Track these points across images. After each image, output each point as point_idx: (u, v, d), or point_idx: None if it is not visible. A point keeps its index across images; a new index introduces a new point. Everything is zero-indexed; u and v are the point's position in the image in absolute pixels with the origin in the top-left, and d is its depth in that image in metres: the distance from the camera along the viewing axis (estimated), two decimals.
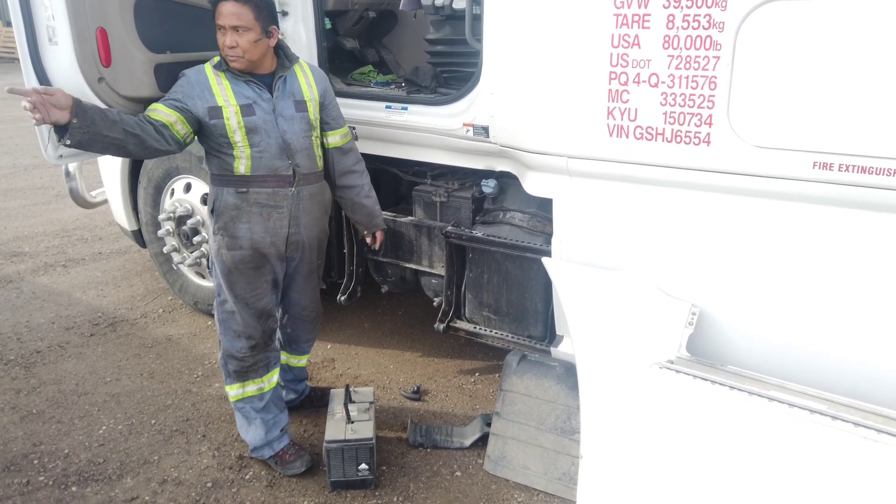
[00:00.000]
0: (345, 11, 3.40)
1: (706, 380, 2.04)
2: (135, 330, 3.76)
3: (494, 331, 2.95)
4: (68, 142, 2.04)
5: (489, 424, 2.74)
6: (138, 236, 4.09)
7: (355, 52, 3.65)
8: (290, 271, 2.54)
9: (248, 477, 2.59)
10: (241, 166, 2.29)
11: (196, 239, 3.59)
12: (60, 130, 2.02)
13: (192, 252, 3.66)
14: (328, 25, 3.31)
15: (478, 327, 3.00)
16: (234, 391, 2.55)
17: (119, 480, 2.57)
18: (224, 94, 2.23)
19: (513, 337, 2.90)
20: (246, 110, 2.24)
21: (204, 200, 3.55)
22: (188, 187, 3.62)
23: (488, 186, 2.91)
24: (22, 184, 6.88)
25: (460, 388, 3.24)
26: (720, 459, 1.95)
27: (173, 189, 3.70)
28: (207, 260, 2.45)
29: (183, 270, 3.85)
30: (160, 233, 3.74)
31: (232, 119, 2.23)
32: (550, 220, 2.66)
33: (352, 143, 2.67)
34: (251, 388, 2.56)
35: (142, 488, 2.52)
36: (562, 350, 2.69)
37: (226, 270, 2.39)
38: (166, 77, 2.37)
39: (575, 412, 2.53)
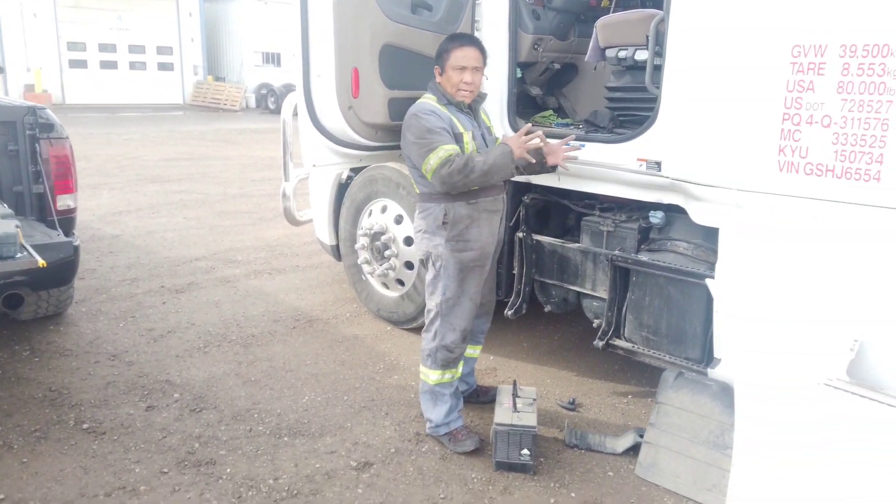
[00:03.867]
0: (534, 63, 3.90)
1: (869, 399, 2.15)
2: (328, 327, 4.38)
3: (652, 351, 3.17)
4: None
5: (642, 436, 2.94)
6: (335, 250, 4.77)
7: (538, 98, 4.12)
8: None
9: (424, 449, 3.00)
10: None
11: (386, 253, 4.17)
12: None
13: (381, 264, 4.24)
14: (519, 75, 3.81)
15: (636, 347, 3.24)
16: (435, 376, 2.99)
17: (321, 437, 3.07)
18: (457, 122, 2.78)
19: (670, 357, 3.10)
20: (473, 135, 2.79)
21: (397, 221, 4.13)
22: (384, 209, 4.23)
23: (656, 217, 3.19)
24: (232, 208, 8.07)
25: (613, 406, 3.46)
26: (878, 473, 2.04)
27: (371, 210, 4.33)
28: (428, 262, 2.93)
29: (371, 281, 4.44)
30: (356, 246, 4.37)
31: (470, 143, 2.77)
32: (714, 251, 2.88)
33: None
34: (448, 375, 3.00)
35: (339, 445, 3.01)
36: (718, 372, 2.86)
37: (457, 271, 2.85)
38: (395, 109, 2.94)
39: (729, 429, 2.68)
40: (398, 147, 3.54)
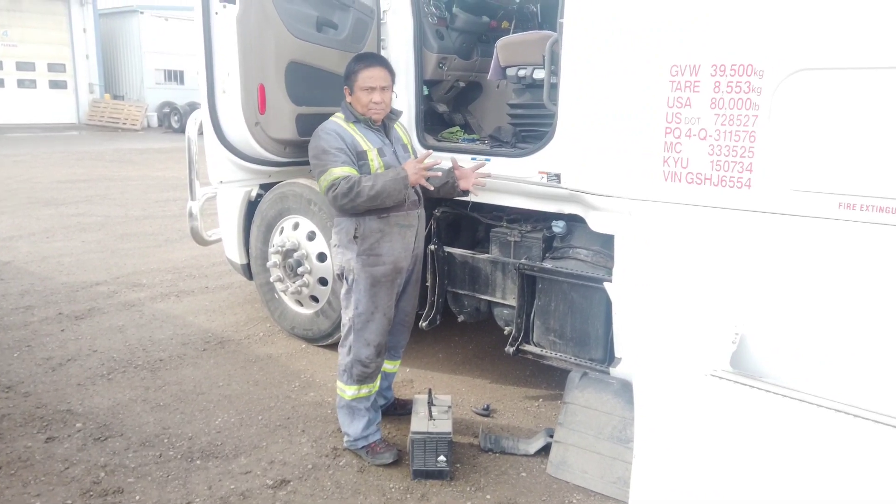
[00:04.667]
0: (439, 81, 4.02)
1: (749, 386, 2.36)
2: (240, 348, 4.30)
3: (559, 354, 3.33)
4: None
5: (552, 436, 3.07)
6: (246, 269, 4.70)
7: (445, 115, 4.25)
8: (404, 282, 3.05)
9: (342, 463, 3.00)
10: None
11: (299, 270, 4.15)
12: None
13: (294, 282, 4.21)
14: (426, 92, 3.92)
15: (544, 351, 3.38)
16: (351, 391, 3.00)
17: (235, 458, 3.02)
18: (362, 140, 2.82)
19: (575, 359, 3.26)
20: (380, 152, 2.84)
21: (309, 237, 4.13)
22: (296, 225, 4.21)
23: (558, 226, 3.36)
24: (135, 230, 7.76)
25: (526, 409, 3.59)
26: (762, 455, 2.25)
27: (283, 227, 4.30)
28: (342, 277, 2.94)
29: (284, 299, 4.40)
30: (268, 264, 4.32)
31: (375, 160, 2.81)
32: (612, 257, 3.07)
33: None
34: (365, 390, 3.02)
35: (254, 465, 2.97)
36: (619, 370, 3.04)
37: (369, 285, 2.88)
38: (303, 125, 2.97)
39: (630, 423, 2.84)
40: (308, 163, 3.59)
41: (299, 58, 2.96)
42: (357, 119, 2.86)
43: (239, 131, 2.81)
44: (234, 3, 2.68)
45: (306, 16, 3.01)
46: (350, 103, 2.88)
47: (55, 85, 25.56)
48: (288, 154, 3.15)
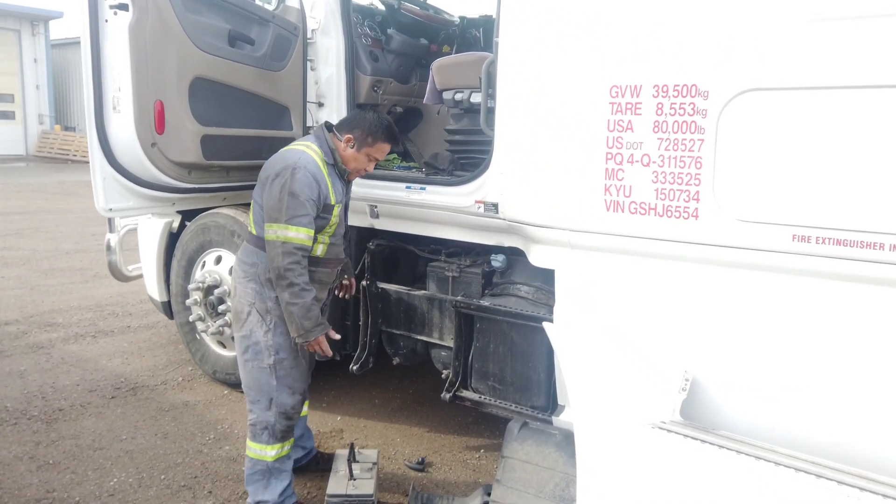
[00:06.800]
0: (375, 105, 3.77)
1: (699, 440, 2.10)
2: (154, 395, 3.89)
3: (499, 400, 3.02)
4: None
5: (490, 494, 2.75)
6: (167, 307, 4.31)
7: None
8: None
9: None
10: (319, 250, 2.60)
11: (221, 307, 3.79)
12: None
13: (216, 321, 3.85)
14: None
15: (483, 397, 3.08)
16: (274, 451, 2.63)
17: None
18: (333, 192, 2.57)
19: (516, 406, 2.96)
20: (342, 207, 2.63)
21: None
22: (219, 259, 3.87)
23: (497, 261, 3.09)
24: (63, 265, 7.27)
25: (464, 462, 3.27)
26: None
27: (205, 261, 3.95)
28: (248, 316, 2.60)
29: (205, 339, 4.02)
30: (188, 302, 3.95)
31: (336, 217, 2.59)
32: (553, 293, 2.81)
33: None
34: (286, 447, 2.68)
35: None
36: (563, 419, 2.75)
37: None
38: (211, 147, 2.66)
39: (573, 480, 2.54)
40: (223, 189, 3.28)
41: (207, 73, 2.66)
42: (335, 162, 2.62)
43: (132, 152, 2.48)
44: (127, 10, 2.39)
45: (217, 28, 2.73)
46: (339, 148, 2.62)
47: (2, 115, 24.67)
48: (193, 179, 2.83)
